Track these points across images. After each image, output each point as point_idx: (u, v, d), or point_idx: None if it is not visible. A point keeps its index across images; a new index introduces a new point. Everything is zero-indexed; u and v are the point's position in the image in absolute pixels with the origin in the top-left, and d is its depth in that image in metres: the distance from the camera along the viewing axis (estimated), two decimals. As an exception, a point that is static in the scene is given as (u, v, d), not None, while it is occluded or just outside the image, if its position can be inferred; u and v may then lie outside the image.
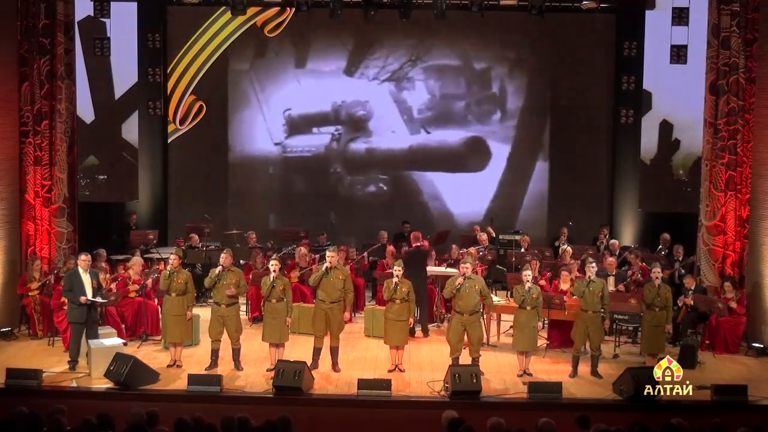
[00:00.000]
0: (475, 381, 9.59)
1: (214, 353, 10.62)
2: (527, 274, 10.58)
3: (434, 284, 12.91)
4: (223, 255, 10.65)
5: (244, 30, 16.22)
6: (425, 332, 12.25)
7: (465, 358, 10.51)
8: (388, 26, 15.86)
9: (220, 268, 10.49)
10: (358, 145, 16.51)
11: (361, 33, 16.20)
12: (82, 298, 10.49)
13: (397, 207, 16.27)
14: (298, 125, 16.45)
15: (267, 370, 10.42)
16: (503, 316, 12.07)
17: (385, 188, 16.56)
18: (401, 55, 16.35)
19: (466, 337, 10.48)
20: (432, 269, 12.90)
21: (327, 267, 10.51)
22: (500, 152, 16.47)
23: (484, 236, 14.52)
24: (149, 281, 11.97)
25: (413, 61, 16.30)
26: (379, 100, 16.35)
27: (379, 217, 16.03)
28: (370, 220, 16.03)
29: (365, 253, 14.09)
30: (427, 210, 16.56)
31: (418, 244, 12.63)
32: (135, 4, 15.33)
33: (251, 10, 15.58)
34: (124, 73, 15.74)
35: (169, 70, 16.21)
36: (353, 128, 16.41)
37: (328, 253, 10.73)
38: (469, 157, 16.40)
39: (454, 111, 16.48)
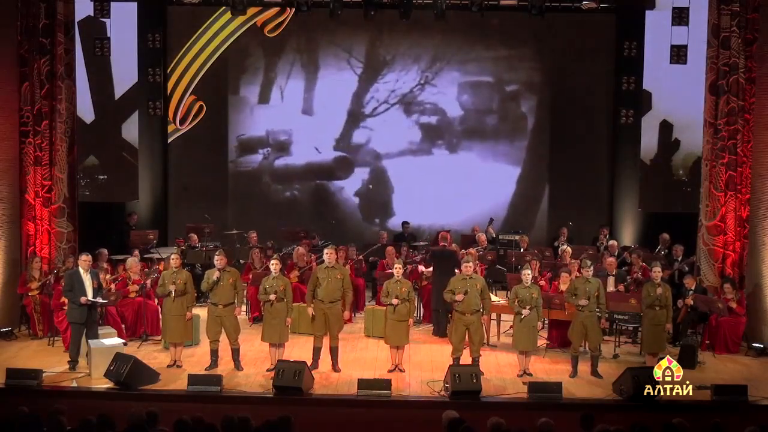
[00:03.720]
0: (475, 381, 9.60)
1: (214, 353, 10.62)
2: (527, 274, 10.58)
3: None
4: (216, 257, 10.65)
5: (244, 30, 16.21)
6: (443, 333, 12.06)
7: (465, 358, 10.51)
8: (387, 27, 15.86)
9: (218, 273, 10.48)
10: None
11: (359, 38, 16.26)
12: (83, 299, 10.49)
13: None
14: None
15: (267, 370, 10.43)
16: (503, 316, 12.07)
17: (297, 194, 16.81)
18: (400, 60, 16.39)
19: (467, 337, 10.49)
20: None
21: (327, 267, 10.52)
22: (497, 152, 16.51)
23: (482, 237, 14.53)
24: (149, 281, 11.97)
25: (423, 81, 16.40)
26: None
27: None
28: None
29: (362, 257, 14.08)
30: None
31: (444, 244, 12.62)
32: (135, 4, 15.30)
33: (251, 10, 15.56)
34: (124, 73, 15.71)
35: (169, 70, 16.20)
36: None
37: (325, 251, 10.75)
38: (338, 169, 16.64)
39: (451, 114, 16.51)
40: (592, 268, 10.75)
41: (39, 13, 12.41)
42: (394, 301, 10.51)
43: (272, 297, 10.39)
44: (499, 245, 14.83)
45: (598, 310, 10.51)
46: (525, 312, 10.38)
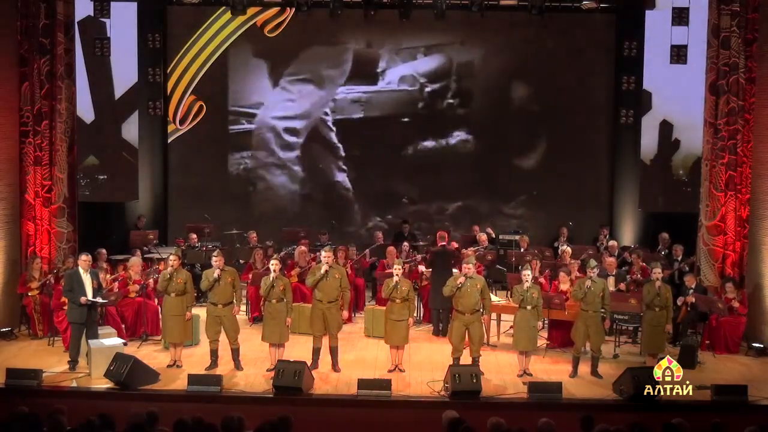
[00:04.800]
0: (475, 381, 9.60)
1: (213, 353, 10.62)
2: (527, 274, 10.57)
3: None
4: (215, 258, 10.64)
5: (244, 30, 16.21)
6: (445, 332, 12.00)
7: (465, 358, 10.51)
8: (387, 27, 15.86)
9: (218, 271, 10.47)
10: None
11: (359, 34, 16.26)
12: (83, 299, 10.48)
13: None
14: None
15: (267, 370, 10.42)
16: (503, 316, 12.07)
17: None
18: (400, 60, 16.38)
19: (467, 337, 10.48)
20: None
21: (325, 271, 10.50)
22: (497, 152, 16.52)
23: (483, 236, 14.52)
24: (150, 281, 11.97)
25: (423, 81, 16.40)
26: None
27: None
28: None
29: (366, 251, 14.08)
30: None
31: (444, 243, 12.63)
32: (135, 4, 15.29)
33: (251, 10, 15.57)
34: (124, 73, 15.71)
35: (169, 70, 16.20)
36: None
37: (323, 253, 10.72)
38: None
39: (450, 114, 16.52)
40: (597, 268, 10.73)
41: (39, 13, 12.41)
42: (395, 277, 10.48)
43: (273, 268, 10.40)
44: (499, 245, 14.83)
45: (602, 310, 10.51)
46: (530, 308, 10.41)
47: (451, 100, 16.43)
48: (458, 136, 16.49)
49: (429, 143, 16.54)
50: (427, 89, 16.41)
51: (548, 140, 16.40)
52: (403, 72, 16.36)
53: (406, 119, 16.43)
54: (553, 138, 16.39)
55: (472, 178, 16.52)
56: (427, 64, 16.38)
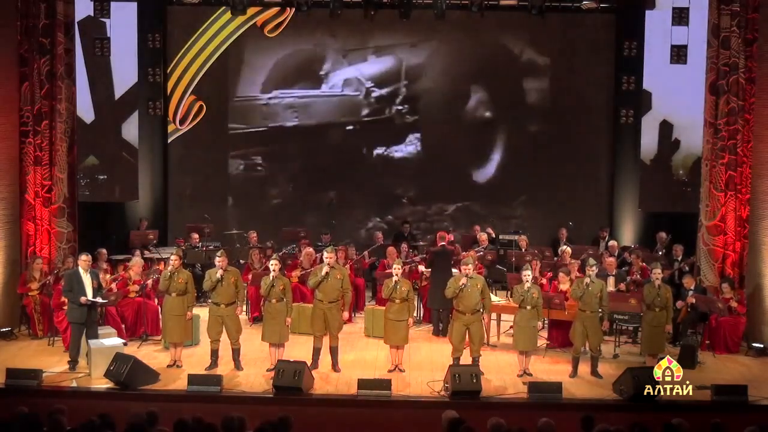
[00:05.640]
0: (475, 381, 9.60)
1: (214, 353, 10.62)
2: (527, 274, 10.57)
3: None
4: (218, 258, 10.63)
5: (244, 30, 16.22)
6: (445, 332, 11.96)
7: (465, 358, 10.51)
8: (387, 27, 15.86)
9: (221, 271, 10.47)
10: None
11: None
12: (83, 299, 10.48)
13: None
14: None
15: (267, 370, 10.42)
16: (503, 316, 12.07)
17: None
18: (400, 60, 16.43)
19: (467, 337, 10.48)
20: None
21: (326, 272, 10.50)
22: (498, 153, 16.53)
23: (483, 236, 14.51)
24: (149, 281, 11.97)
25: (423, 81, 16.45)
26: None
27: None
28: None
29: (366, 252, 14.09)
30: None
31: (443, 243, 12.64)
32: (135, 4, 15.32)
33: (251, 10, 15.58)
34: (124, 73, 15.73)
35: (169, 70, 16.20)
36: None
37: (325, 254, 10.72)
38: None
39: (449, 115, 16.53)
40: (596, 267, 10.73)
41: (39, 13, 12.41)
42: (395, 277, 10.48)
43: (273, 268, 10.38)
44: (499, 245, 14.83)
45: (600, 311, 10.51)
46: (530, 308, 10.41)
47: (401, 105, 16.48)
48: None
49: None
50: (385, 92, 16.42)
51: (547, 140, 16.39)
52: (348, 75, 16.39)
53: (350, 127, 16.46)
54: (553, 138, 16.37)
55: (467, 180, 16.57)
56: (375, 66, 16.38)
